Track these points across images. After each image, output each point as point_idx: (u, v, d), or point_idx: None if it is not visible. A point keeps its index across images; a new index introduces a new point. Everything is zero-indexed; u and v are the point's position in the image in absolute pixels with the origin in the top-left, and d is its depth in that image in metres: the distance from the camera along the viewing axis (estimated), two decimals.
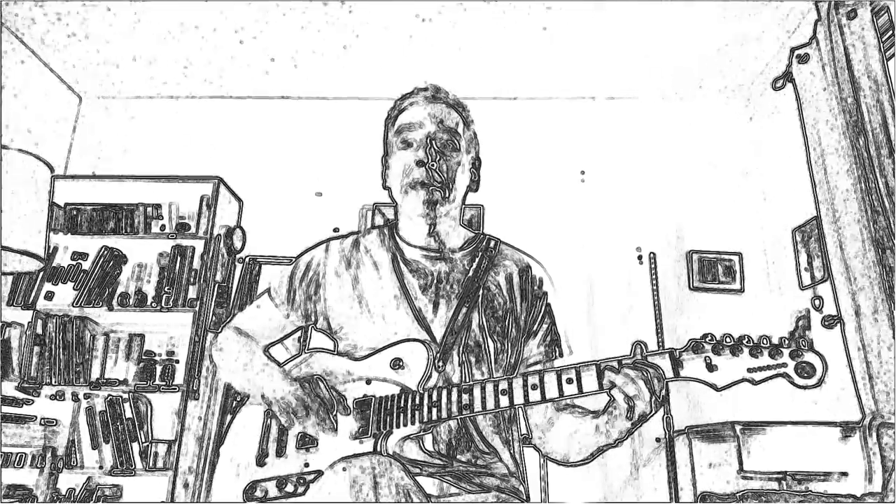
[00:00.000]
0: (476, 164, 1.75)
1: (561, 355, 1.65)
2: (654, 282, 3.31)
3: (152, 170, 3.42)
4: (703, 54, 3.35)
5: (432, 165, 1.60)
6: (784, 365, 1.34)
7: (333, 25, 3.19)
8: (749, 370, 1.35)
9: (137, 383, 3.11)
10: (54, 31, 3.22)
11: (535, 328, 1.65)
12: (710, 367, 1.36)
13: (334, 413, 1.49)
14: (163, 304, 3.17)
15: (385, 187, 1.70)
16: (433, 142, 1.62)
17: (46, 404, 3.10)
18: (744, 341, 1.36)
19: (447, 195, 1.62)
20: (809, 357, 1.33)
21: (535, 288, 1.67)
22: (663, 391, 1.39)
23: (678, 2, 3.00)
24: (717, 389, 1.37)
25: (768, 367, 1.34)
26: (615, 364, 1.39)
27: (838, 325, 2.65)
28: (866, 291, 2.49)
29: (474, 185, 1.74)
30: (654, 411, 1.38)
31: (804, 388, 1.33)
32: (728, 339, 1.37)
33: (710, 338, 1.38)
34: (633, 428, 1.41)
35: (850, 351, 2.59)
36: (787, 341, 1.35)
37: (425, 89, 1.70)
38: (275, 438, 1.53)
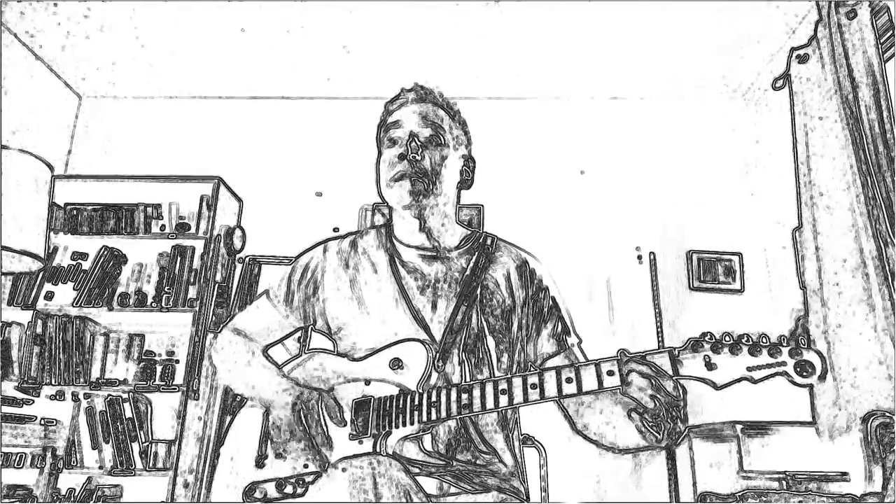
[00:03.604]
0: (468, 164, 1.75)
1: (573, 344, 1.65)
2: (654, 282, 3.31)
3: (152, 170, 3.42)
4: (703, 54, 3.35)
5: (413, 157, 1.61)
6: (783, 363, 1.33)
7: (333, 25, 3.19)
8: (748, 369, 1.34)
9: (137, 383, 3.11)
10: (54, 30, 3.22)
11: (542, 323, 1.65)
12: (710, 366, 1.36)
13: (325, 450, 1.48)
14: (163, 304, 3.17)
15: (379, 193, 1.71)
16: (416, 137, 1.64)
17: (46, 404, 3.10)
18: (743, 340, 1.36)
19: (430, 187, 1.62)
20: (809, 355, 1.33)
21: (535, 283, 1.67)
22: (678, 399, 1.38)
23: (678, 2, 3.00)
24: (717, 388, 1.37)
25: (767, 366, 1.34)
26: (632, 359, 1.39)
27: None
28: (855, 289, 2.53)
29: (466, 183, 1.75)
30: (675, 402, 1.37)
31: (804, 386, 1.33)
32: (727, 338, 1.37)
33: (709, 336, 1.38)
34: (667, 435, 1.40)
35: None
36: (786, 340, 1.35)
37: (411, 90, 1.72)
38: (272, 442, 1.53)
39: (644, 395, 1.36)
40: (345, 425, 1.49)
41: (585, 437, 1.57)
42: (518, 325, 1.63)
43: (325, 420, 1.49)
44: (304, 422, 1.49)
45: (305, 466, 1.47)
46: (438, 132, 1.66)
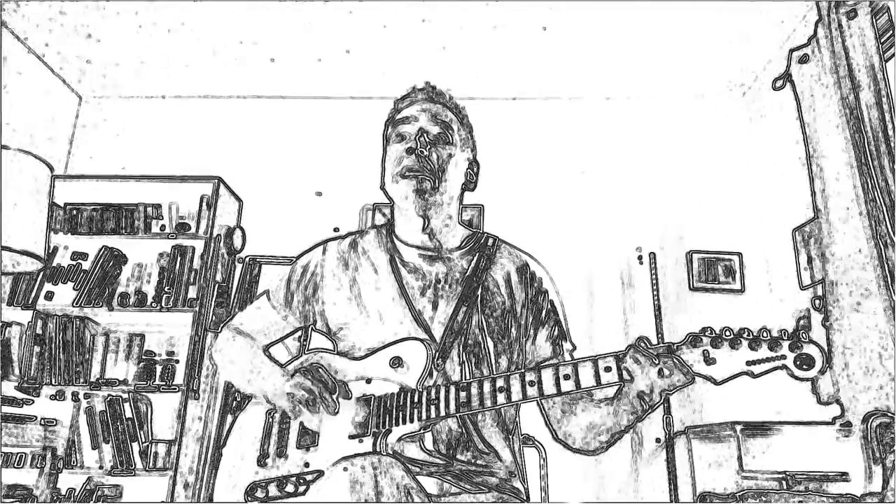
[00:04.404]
0: (473, 167, 1.76)
1: (568, 350, 1.65)
2: (654, 282, 3.31)
3: (152, 170, 3.42)
4: (704, 54, 3.35)
5: (421, 153, 1.62)
6: (783, 357, 1.33)
7: (333, 25, 3.19)
8: (748, 363, 1.34)
9: (137, 383, 3.11)
10: (54, 30, 3.23)
11: (540, 325, 1.65)
12: (709, 361, 1.36)
13: (335, 395, 1.49)
14: (163, 304, 3.17)
15: (382, 188, 1.71)
16: (424, 133, 1.65)
17: (46, 404, 3.10)
18: (743, 334, 1.36)
19: (436, 185, 1.63)
20: (809, 349, 1.32)
21: (536, 285, 1.68)
22: (679, 386, 1.40)
23: (678, 2, 3.01)
24: (716, 383, 1.36)
25: (767, 360, 1.33)
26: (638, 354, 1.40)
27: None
28: (857, 289, 2.53)
29: (471, 185, 1.75)
30: (661, 400, 1.40)
31: (804, 380, 1.33)
32: (727, 333, 1.36)
33: (708, 331, 1.38)
34: (643, 414, 1.43)
35: (836, 350, 2.64)
36: (786, 334, 1.34)
37: (423, 89, 1.73)
38: (275, 439, 1.53)
39: (644, 379, 1.37)
40: (348, 397, 1.50)
41: (565, 445, 1.60)
42: (517, 326, 1.63)
43: (331, 377, 1.51)
44: (312, 376, 1.50)
45: (307, 465, 1.47)
46: (447, 131, 1.67)
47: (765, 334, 1.34)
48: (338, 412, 1.49)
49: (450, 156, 1.66)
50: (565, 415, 1.59)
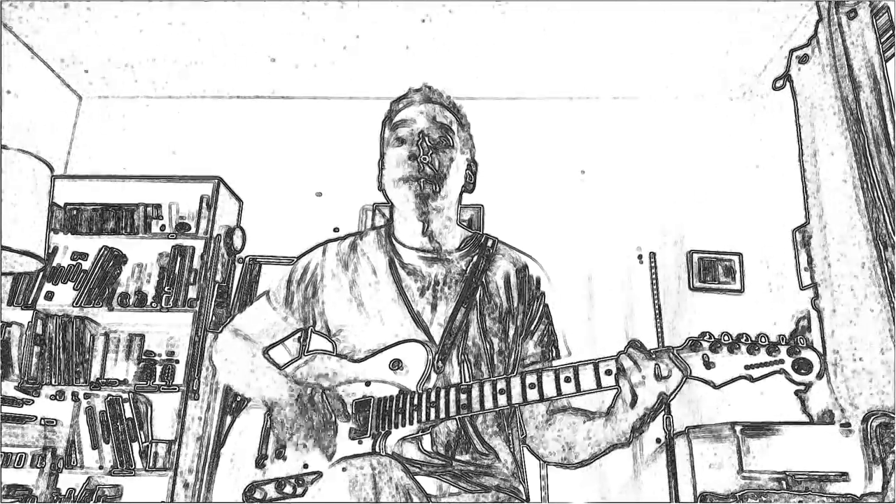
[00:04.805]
0: (472, 167, 1.75)
1: (558, 356, 1.64)
2: (654, 282, 3.31)
3: (152, 170, 3.42)
4: (705, 54, 3.35)
5: (423, 159, 1.60)
6: (781, 361, 1.34)
7: (333, 25, 3.19)
8: (746, 367, 1.35)
9: (137, 383, 3.11)
10: (55, 30, 3.22)
11: (532, 328, 1.64)
12: (708, 365, 1.36)
13: (332, 438, 1.48)
14: (163, 304, 3.17)
15: (380, 189, 1.71)
16: (425, 137, 1.63)
17: (46, 404, 3.10)
18: (741, 339, 1.37)
19: (438, 189, 1.62)
20: (807, 354, 1.33)
21: (533, 288, 1.67)
22: (676, 387, 1.38)
23: (679, 1, 3.00)
24: (716, 387, 1.37)
25: (766, 364, 1.34)
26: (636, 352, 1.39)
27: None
28: (855, 290, 2.54)
29: (470, 185, 1.74)
30: (659, 405, 1.38)
31: (801, 384, 1.34)
32: (726, 337, 1.37)
33: (707, 336, 1.38)
34: (642, 424, 1.40)
35: (836, 351, 2.64)
36: (784, 338, 1.35)
37: (419, 90, 1.71)
38: (274, 440, 1.53)
39: (638, 374, 1.36)
40: (348, 419, 1.49)
41: (537, 455, 1.59)
42: (515, 328, 1.63)
43: (329, 410, 1.50)
44: (308, 413, 1.49)
45: (305, 466, 1.47)
46: (447, 134, 1.66)
47: (763, 339, 1.35)
48: (332, 458, 1.47)
49: (451, 160, 1.65)
50: (545, 423, 1.58)
